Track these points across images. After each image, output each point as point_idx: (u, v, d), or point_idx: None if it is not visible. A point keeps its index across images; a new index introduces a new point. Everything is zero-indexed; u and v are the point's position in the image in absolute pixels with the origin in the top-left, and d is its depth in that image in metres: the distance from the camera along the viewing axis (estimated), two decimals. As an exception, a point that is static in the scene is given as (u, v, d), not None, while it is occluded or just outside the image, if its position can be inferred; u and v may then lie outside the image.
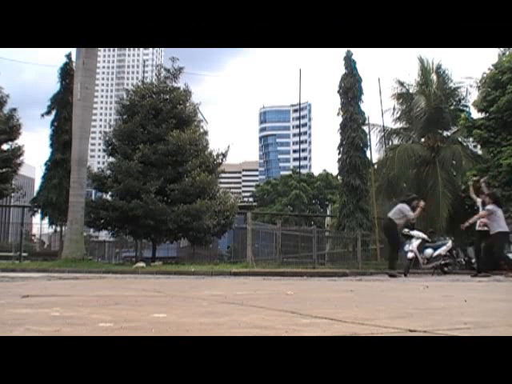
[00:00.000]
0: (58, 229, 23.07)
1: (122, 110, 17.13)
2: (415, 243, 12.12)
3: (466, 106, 20.04)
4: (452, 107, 20.23)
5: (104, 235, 26.35)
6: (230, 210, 16.61)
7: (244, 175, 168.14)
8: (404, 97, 21.21)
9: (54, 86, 21.30)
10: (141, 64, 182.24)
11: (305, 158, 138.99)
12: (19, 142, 21.50)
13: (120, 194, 15.46)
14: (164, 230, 15.44)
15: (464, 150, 19.50)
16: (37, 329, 1.45)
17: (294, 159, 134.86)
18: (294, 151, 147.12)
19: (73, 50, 19.23)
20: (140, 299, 2.80)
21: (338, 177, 23.75)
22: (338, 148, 21.93)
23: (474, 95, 19.31)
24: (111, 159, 17.09)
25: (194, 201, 15.14)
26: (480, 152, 18.90)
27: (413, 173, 19.81)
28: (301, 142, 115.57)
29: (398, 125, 21.85)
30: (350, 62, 21.77)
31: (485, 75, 17.51)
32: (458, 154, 19.11)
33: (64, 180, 18.75)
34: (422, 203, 11.32)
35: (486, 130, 16.62)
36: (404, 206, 11.01)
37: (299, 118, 54.49)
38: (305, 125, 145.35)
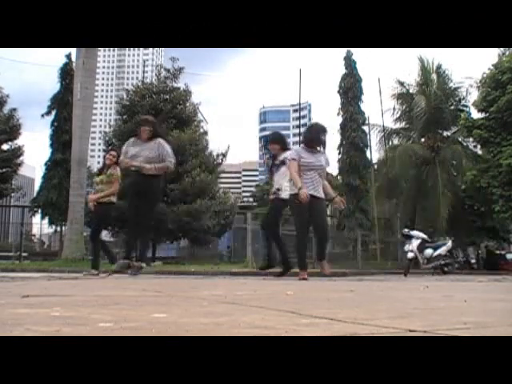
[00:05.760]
0: (58, 229, 23.09)
1: (122, 110, 17.16)
2: (415, 243, 12.13)
3: (466, 106, 20.08)
4: (452, 107, 20.26)
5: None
6: (229, 210, 16.63)
7: (244, 175, 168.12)
8: (404, 97, 21.23)
9: (54, 86, 21.40)
10: (141, 64, 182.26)
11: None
12: (19, 142, 21.62)
13: (120, 193, 15.46)
14: (164, 230, 15.45)
15: (464, 149, 19.53)
16: (37, 329, 1.45)
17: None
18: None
19: (73, 50, 19.28)
20: (140, 299, 2.80)
21: (338, 177, 23.79)
22: (338, 148, 21.99)
23: (474, 95, 19.36)
24: (111, 159, 17.07)
25: (194, 201, 15.16)
26: (480, 152, 18.92)
27: (413, 173, 19.84)
28: (301, 142, 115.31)
29: (398, 125, 21.90)
30: (350, 62, 21.82)
31: (485, 75, 17.52)
32: (457, 154, 19.15)
33: (64, 180, 18.77)
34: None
35: (485, 129, 16.63)
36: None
37: (299, 118, 54.34)
38: (305, 125, 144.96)
